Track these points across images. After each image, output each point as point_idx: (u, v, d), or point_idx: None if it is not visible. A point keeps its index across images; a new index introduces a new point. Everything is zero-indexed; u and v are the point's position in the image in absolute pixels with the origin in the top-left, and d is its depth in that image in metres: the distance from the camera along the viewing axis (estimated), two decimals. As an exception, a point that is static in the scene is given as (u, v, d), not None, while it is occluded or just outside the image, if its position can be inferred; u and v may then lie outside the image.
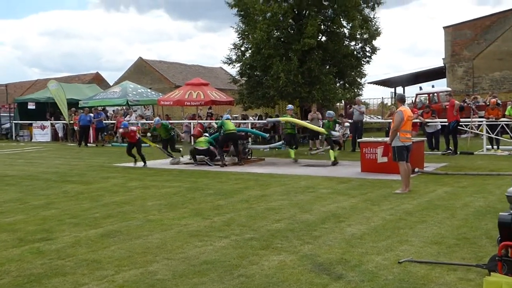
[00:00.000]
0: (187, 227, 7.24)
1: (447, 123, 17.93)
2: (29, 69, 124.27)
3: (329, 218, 7.73)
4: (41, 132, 30.13)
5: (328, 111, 17.49)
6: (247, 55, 25.44)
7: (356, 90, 26.12)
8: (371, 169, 13.13)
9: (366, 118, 18.48)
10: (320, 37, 24.58)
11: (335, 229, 7.04)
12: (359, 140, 15.16)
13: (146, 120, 28.24)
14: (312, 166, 15.10)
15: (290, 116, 17.65)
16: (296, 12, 24.95)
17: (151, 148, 18.66)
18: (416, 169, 12.73)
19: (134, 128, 17.06)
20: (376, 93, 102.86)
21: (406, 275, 5.08)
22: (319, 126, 18.26)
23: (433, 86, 29.93)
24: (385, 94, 71.72)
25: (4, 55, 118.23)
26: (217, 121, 25.71)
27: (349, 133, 20.37)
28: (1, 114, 34.46)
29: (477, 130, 19.56)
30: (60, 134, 29.82)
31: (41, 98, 31.05)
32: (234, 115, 29.03)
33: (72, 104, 29.05)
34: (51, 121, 30.35)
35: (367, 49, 25.82)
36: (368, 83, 40.96)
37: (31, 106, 30.74)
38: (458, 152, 17.28)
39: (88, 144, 25.45)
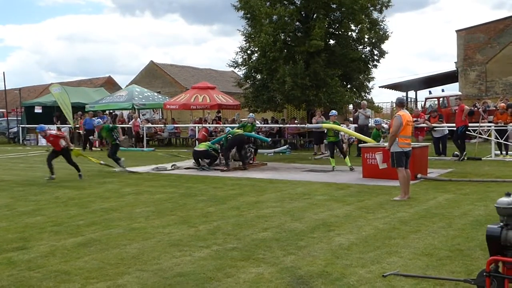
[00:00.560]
0: (170, 235, 6.97)
1: (455, 128, 17.51)
2: (46, 73, 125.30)
3: (319, 226, 7.42)
4: (48, 136, 30.01)
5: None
6: (254, 58, 25.19)
7: (363, 94, 25.73)
8: (373, 174, 12.78)
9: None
10: (327, 40, 24.23)
11: (323, 238, 6.73)
12: (360, 145, 14.82)
13: (152, 124, 28.11)
14: (314, 172, 14.77)
15: (333, 123, 15.70)
16: (304, 14, 24.68)
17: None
18: (419, 175, 12.38)
19: (53, 132, 14.77)
20: (390, 97, 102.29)
21: (388, 290, 4.77)
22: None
23: (443, 90, 29.40)
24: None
25: (22, 59, 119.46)
26: (232, 125, 25.58)
27: (354, 137, 19.96)
28: (9, 118, 34.50)
29: (486, 135, 19.09)
30: (67, 138, 29.69)
31: (47, 102, 31.00)
32: (242, 119, 28.80)
33: (79, 108, 29.01)
34: (57, 125, 30.26)
35: (375, 52, 25.42)
36: (379, 87, 40.55)
37: (37, 110, 30.71)
38: (466, 158, 16.84)
39: (93, 148, 25.31)
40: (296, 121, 26.04)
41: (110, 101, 29.47)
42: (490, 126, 18.16)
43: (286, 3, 24.39)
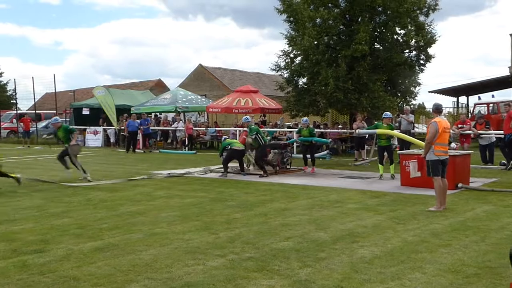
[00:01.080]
0: (188, 242, 6.83)
1: (502, 136, 16.78)
2: (101, 76, 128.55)
3: (343, 237, 7.14)
4: (94, 138, 30.68)
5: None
6: (296, 61, 24.94)
7: (409, 99, 25.07)
8: (412, 183, 12.32)
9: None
10: (372, 44, 23.73)
11: (345, 250, 6.45)
12: (399, 152, 14.35)
13: (195, 127, 28.22)
14: (352, 178, 14.40)
15: (388, 126, 14.61)
16: (348, 18, 24.26)
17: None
18: (460, 185, 11.88)
19: None
20: (442, 102, 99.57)
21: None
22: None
23: (493, 96, 28.34)
24: (449, 103, 69.16)
25: (78, 62, 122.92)
26: (272, 129, 25.42)
27: (396, 143, 19.42)
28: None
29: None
30: (112, 139, 30.26)
31: (95, 104, 31.58)
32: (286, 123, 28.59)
33: (125, 110, 29.45)
34: (103, 127, 30.87)
35: (421, 56, 24.73)
36: (429, 92, 39.48)
37: (85, 111, 31.35)
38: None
39: (136, 150, 25.63)
40: (339, 126, 25.60)
41: (154, 104, 29.82)
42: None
43: (330, 5, 24.02)
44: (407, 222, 8.22)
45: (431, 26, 24.21)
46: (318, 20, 23.40)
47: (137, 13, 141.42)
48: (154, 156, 23.52)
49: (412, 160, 11.64)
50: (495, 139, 17.58)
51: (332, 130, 23.88)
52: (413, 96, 25.35)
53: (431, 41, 24.14)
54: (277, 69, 25.21)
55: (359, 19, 23.60)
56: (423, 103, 52.32)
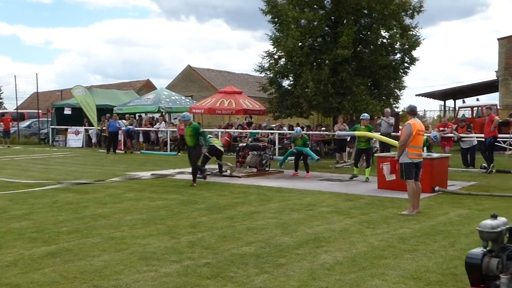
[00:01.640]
0: (145, 247, 6.56)
1: (483, 139, 16.65)
2: (92, 76, 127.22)
3: (308, 242, 6.90)
4: (75, 138, 30.23)
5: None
6: (281, 63, 24.69)
7: (393, 102, 24.87)
8: (388, 186, 12.11)
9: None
10: (356, 47, 23.51)
11: (307, 255, 6.22)
12: (376, 154, 14.16)
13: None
14: (330, 181, 14.19)
15: (366, 128, 14.51)
16: (333, 19, 24.05)
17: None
18: (437, 188, 11.70)
19: None
20: (430, 106, 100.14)
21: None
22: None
23: (477, 100, 28.29)
24: (436, 107, 69.32)
25: (70, 62, 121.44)
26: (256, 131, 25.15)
27: (378, 146, 19.24)
28: (42, 119, 34.95)
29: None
30: (94, 140, 29.84)
31: (77, 103, 31.15)
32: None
33: (108, 110, 29.08)
34: (85, 127, 30.43)
35: (406, 59, 24.55)
36: (416, 95, 39.55)
37: (67, 111, 30.82)
38: (494, 170, 15.97)
39: (117, 151, 25.26)
40: (323, 128, 25.39)
41: (137, 104, 29.44)
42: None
43: (315, 7, 23.80)
44: (377, 226, 8.01)
45: (416, 29, 24.06)
46: (302, 21, 23.18)
47: (130, 13, 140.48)
48: (134, 157, 23.16)
49: (386, 162, 11.43)
50: (476, 143, 17.44)
51: (315, 132, 23.66)
52: (397, 99, 25.14)
53: (415, 44, 23.98)
54: (261, 70, 24.95)
55: (344, 21, 23.41)
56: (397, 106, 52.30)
